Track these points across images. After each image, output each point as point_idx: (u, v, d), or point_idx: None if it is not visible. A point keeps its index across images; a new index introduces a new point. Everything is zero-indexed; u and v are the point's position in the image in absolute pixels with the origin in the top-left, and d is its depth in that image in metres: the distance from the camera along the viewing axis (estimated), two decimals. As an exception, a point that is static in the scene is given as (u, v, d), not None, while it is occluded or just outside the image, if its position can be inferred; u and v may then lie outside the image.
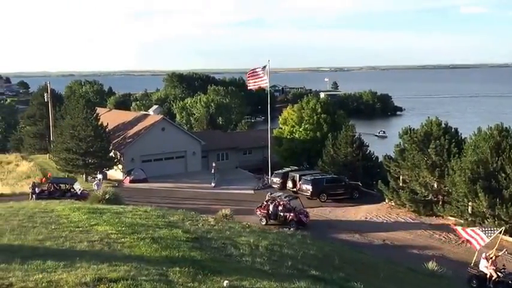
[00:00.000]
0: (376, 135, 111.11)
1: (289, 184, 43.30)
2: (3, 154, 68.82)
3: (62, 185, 38.53)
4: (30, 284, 11.36)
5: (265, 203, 34.57)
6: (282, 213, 33.39)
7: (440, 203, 35.83)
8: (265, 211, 33.96)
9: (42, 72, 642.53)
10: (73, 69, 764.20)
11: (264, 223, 32.87)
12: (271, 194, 36.16)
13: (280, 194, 36.33)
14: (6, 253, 14.15)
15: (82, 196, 35.06)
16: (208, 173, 49.15)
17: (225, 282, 12.77)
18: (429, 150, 36.36)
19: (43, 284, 11.39)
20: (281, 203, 33.81)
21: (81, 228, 18.35)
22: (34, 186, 37.87)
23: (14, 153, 68.10)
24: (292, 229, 30.48)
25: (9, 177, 50.88)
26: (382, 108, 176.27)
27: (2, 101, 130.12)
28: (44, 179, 44.87)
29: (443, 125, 38.26)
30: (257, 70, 46.42)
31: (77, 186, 37.91)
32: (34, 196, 35.65)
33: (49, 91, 62.24)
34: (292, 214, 33.15)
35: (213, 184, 46.34)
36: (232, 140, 61.14)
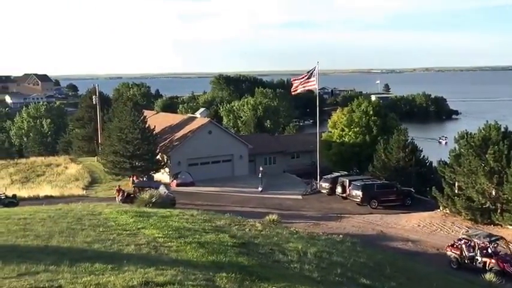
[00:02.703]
0: (439, 141, 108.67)
1: (339, 189, 42.44)
2: (52, 156, 70.88)
3: (147, 189, 36.67)
4: (79, 286, 11.40)
5: (458, 241, 28.22)
6: (480, 258, 26.81)
7: (499, 211, 34.39)
8: (458, 252, 27.59)
9: (91, 74, 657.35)
10: (121, 72, 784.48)
11: (454, 267, 27.24)
12: (467, 231, 30.12)
13: (479, 232, 29.00)
14: (56, 255, 14.29)
15: (168, 200, 34.51)
16: (255, 177, 48.85)
17: None
18: (487, 155, 34.86)
19: (91, 287, 11.40)
20: (480, 244, 27.11)
21: (128, 232, 18.41)
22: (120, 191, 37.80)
23: (63, 156, 69.94)
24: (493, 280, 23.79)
25: (58, 179, 52.06)
26: (436, 111, 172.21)
27: (52, 104, 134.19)
28: (130, 183, 44.78)
29: (502, 130, 36.67)
30: (304, 76, 45.99)
31: (162, 190, 36.55)
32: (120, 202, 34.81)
33: (97, 94, 63.12)
34: (493, 260, 26.20)
35: (260, 188, 46.01)
36: (279, 144, 60.72)
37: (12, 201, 35.01)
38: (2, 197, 35.51)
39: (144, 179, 46.86)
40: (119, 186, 38.56)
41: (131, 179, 47.04)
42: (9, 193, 38.69)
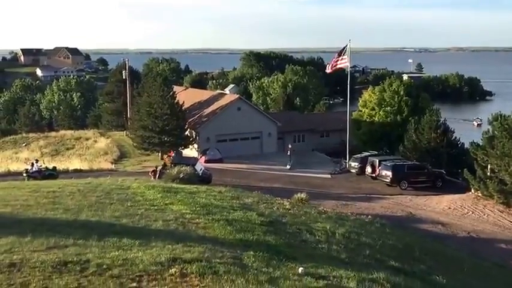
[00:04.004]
0: (475, 124, 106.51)
1: (368, 169, 41.84)
2: (82, 130, 71.87)
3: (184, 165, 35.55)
4: (107, 260, 11.50)
5: None
6: None
7: (533, 195, 33.41)
8: None
9: (121, 49, 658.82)
10: (151, 47, 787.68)
11: None
12: None
13: None
14: (84, 229, 14.45)
15: (204, 177, 34.61)
16: (284, 155, 48.55)
17: (300, 269, 12.46)
18: (522, 138, 33.84)
19: (119, 262, 11.49)
20: None
21: (156, 207, 18.49)
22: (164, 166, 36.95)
23: (92, 130, 70.84)
24: None
25: (87, 153, 52.57)
26: (469, 92, 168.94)
27: (82, 78, 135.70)
28: (166, 159, 44.56)
29: (538, 112, 35.55)
30: (338, 54, 45.44)
31: (199, 167, 36.25)
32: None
33: (127, 68, 63.26)
34: None
35: (288, 166, 45.75)
36: (309, 122, 60.21)
37: (52, 174, 35.36)
38: (42, 169, 35.95)
39: (173, 154, 46.99)
40: (156, 167, 37.24)
41: (167, 155, 46.87)
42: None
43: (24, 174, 34.77)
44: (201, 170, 35.96)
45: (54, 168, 37.36)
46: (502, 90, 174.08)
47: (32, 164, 36.15)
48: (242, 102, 54.75)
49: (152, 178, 34.46)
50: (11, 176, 37.25)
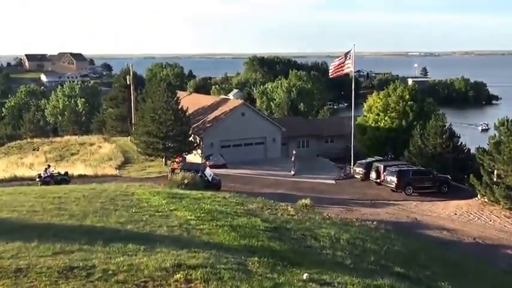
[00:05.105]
0: (480, 129, 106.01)
1: (373, 175, 41.66)
2: (86, 135, 72.03)
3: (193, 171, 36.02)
4: (112, 266, 11.57)
5: None
6: None
7: (539, 201, 33.19)
8: None
9: (125, 54, 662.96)
10: (154, 52, 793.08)
11: None
12: None
13: None
14: (90, 234, 14.49)
15: (214, 183, 34.71)
16: (288, 160, 48.48)
17: (305, 275, 12.51)
18: (528, 143, 33.66)
19: (124, 267, 11.56)
20: None
21: (160, 213, 18.50)
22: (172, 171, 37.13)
23: (96, 135, 70.93)
24: None
25: (91, 158, 52.51)
26: (475, 96, 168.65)
27: (86, 83, 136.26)
28: (175, 164, 44.47)
29: (545, 117, 35.33)
30: (341, 58, 45.40)
31: (208, 172, 36.39)
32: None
33: (131, 74, 63.11)
34: None
35: (292, 172, 45.67)
36: (313, 127, 60.15)
37: (65, 178, 35.66)
38: (55, 174, 36.19)
39: (176, 160, 47.04)
40: (173, 168, 37.15)
41: (174, 161, 46.86)
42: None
43: (37, 179, 35.07)
44: (210, 176, 36.00)
45: (66, 173, 37.60)
46: (508, 95, 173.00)
47: (45, 170, 36.42)
48: (246, 107, 54.71)
49: (169, 176, 34.42)
50: (17, 181, 37.47)
